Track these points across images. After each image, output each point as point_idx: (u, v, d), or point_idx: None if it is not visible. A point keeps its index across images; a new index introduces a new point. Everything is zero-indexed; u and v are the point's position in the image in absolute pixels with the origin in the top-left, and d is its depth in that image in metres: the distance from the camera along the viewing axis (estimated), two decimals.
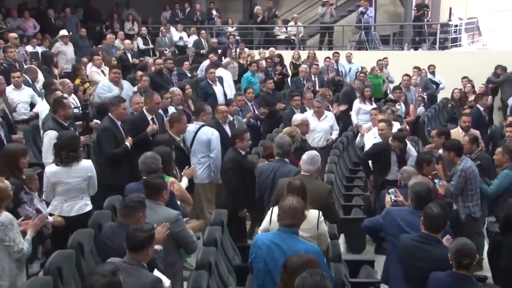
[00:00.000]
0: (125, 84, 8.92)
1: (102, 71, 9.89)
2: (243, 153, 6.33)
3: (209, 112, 7.12)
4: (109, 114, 6.53)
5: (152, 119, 6.97)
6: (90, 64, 10.33)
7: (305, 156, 5.17)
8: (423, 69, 12.43)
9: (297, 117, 7.44)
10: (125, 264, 3.43)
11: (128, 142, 6.42)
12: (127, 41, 12.65)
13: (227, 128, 7.46)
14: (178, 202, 5.10)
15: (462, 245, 3.84)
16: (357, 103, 9.69)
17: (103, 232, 4.42)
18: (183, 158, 6.40)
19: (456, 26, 15.81)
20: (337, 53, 13.44)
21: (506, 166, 6.15)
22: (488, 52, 15.17)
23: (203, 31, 14.97)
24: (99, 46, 12.37)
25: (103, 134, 6.45)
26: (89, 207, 5.37)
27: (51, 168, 5.27)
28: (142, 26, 15.22)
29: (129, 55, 12.10)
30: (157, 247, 3.95)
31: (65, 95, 7.25)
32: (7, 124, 7.05)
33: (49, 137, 5.97)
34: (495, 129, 9.45)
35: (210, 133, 6.82)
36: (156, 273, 3.68)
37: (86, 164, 5.35)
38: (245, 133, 6.41)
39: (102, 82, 8.83)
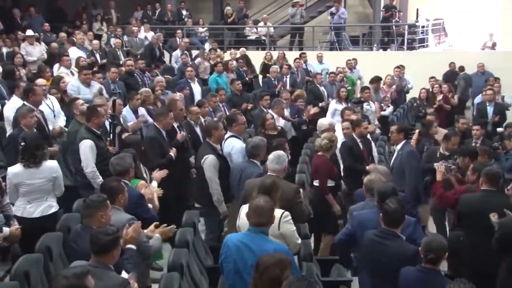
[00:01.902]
0: (95, 85, 8.80)
1: (71, 72, 9.75)
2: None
3: (242, 122, 6.74)
4: (155, 123, 6.58)
5: (178, 126, 7.00)
6: (57, 65, 10.16)
7: (272, 155, 5.21)
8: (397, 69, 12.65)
9: (324, 121, 7.28)
10: (91, 267, 3.38)
11: (172, 153, 6.46)
12: (95, 42, 12.48)
13: (198, 129, 7.42)
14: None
15: (430, 241, 3.99)
16: (333, 104, 9.76)
17: (70, 235, 4.36)
18: (226, 168, 6.09)
19: (423, 27, 16.09)
20: (305, 53, 13.53)
21: None
22: (454, 53, 15.47)
23: (179, 31, 14.89)
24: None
25: (150, 143, 6.46)
26: (54, 209, 5.30)
27: (13, 169, 5.20)
28: (117, 26, 15.05)
29: (97, 56, 11.94)
30: (130, 246, 3.92)
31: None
32: (43, 137, 6.60)
33: (85, 146, 5.95)
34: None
35: (231, 146, 6.42)
36: (124, 275, 3.64)
37: (51, 165, 5.27)
38: (286, 144, 6.29)
39: (71, 83, 8.70)
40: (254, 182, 5.10)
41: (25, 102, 6.82)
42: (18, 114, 6.29)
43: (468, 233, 5.28)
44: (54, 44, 11.95)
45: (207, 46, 14.86)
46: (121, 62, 11.34)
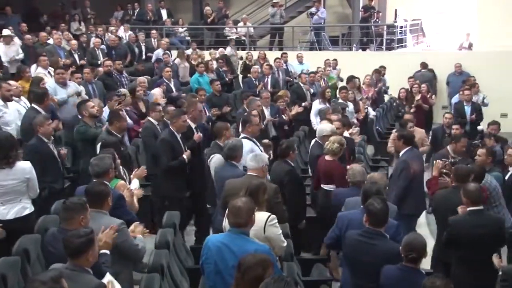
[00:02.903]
0: (72, 85, 8.69)
1: (49, 73, 9.61)
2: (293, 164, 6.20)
3: (256, 123, 6.75)
4: (170, 126, 6.59)
5: (196, 127, 7.00)
6: (34, 66, 10.02)
7: (251, 155, 5.24)
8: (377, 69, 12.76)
9: (326, 127, 7.03)
10: (67, 271, 3.32)
11: (185, 155, 6.43)
12: (74, 41, 12.33)
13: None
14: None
15: (411, 240, 4.04)
16: (316, 104, 9.79)
17: (45, 238, 4.26)
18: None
19: (401, 27, 16.24)
20: (285, 53, 13.56)
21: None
22: (432, 53, 15.65)
23: (154, 32, 14.80)
24: (46, 47, 11.98)
25: (161, 145, 6.49)
26: (28, 210, 5.23)
27: None
28: (98, 26, 14.89)
29: (76, 56, 11.80)
30: (104, 251, 3.84)
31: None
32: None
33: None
34: (437, 128, 9.72)
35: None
36: (108, 277, 3.59)
37: (24, 166, 5.19)
38: (294, 145, 6.31)
39: (48, 84, 8.57)
40: (234, 183, 5.11)
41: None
42: (35, 122, 6.15)
43: (438, 227, 5.55)
44: (28, 36, 11.74)
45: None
46: (99, 62, 11.24)
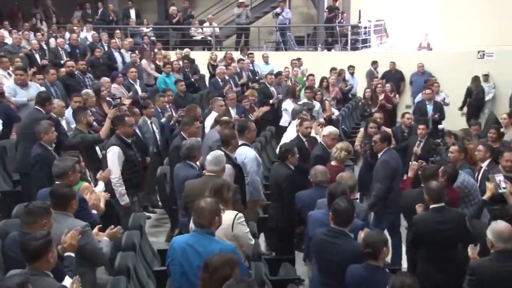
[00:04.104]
0: (33, 86, 8.51)
1: (9, 74, 9.37)
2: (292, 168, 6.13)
3: (254, 129, 6.74)
4: (181, 132, 6.62)
5: None
6: None
7: (210, 156, 5.25)
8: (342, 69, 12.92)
9: (326, 128, 7.03)
10: (27, 275, 3.25)
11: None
12: (34, 41, 12.07)
13: (137, 130, 7.43)
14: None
15: (368, 236, 4.11)
16: (289, 103, 9.80)
17: (5, 242, 4.15)
18: (241, 176, 6.00)
19: (365, 28, 16.45)
20: (252, 53, 13.57)
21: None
22: (396, 53, 15.91)
23: (118, 31, 14.61)
24: (4, 46, 11.69)
25: (175, 153, 6.49)
26: None
27: None
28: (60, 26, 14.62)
29: (37, 56, 11.55)
30: (69, 253, 3.77)
31: None
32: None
33: (113, 152, 6.03)
34: (395, 128, 9.85)
35: (243, 155, 6.26)
36: (67, 280, 3.52)
37: None
38: (295, 148, 6.24)
39: (7, 85, 8.37)
40: (193, 184, 5.11)
41: None
42: (39, 129, 6.00)
43: (408, 226, 5.60)
44: None
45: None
46: (62, 62, 11.04)
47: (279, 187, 5.96)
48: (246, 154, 6.28)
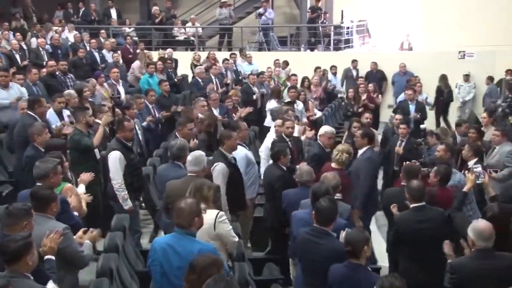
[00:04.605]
0: (14, 86, 8.42)
1: None
2: (284, 169, 6.13)
3: (245, 128, 6.84)
4: (176, 133, 6.58)
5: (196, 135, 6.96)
6: None
7: (190, 157, 5.25)
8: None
9: (323, 128, 7.05)
10: (7, 278, 3.21)
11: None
12: (14, 41, 11.93)
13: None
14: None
15: (349, 234, 4.12)
16: (273, 103, 9.80)
17: None
18: (237, 176, 6.04)
19: (348, 28, 16.54)
20: (234, 54, 13.56)
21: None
22: (378, 53, 16.03)
23: (102, 31, 14.50)
24: None
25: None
26: None
27: None
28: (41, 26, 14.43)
29: (17, 56, 11.42)
30: (49, 257, 3.74)
31: None
32: None
33: (114, 157, 5.93)
34: (387, 128, 9.94)
35: (234, 154, 6.25)
36: (51, 284, 3.49)
37: None
38: (287, 149, 6.25)
39: None
40: (174, 185, 5.11)
41: None
42: (32, 131, 5.97)
43: (388, 225, 5.69)
44: None
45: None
46: (44, 63, 10.93)
47: (272, 187, 5.99)
48: (236, 152, 6.32)
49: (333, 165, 6.08)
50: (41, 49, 11.93)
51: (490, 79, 13.27)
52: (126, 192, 5.95)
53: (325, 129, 6.93)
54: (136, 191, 6.25)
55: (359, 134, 6.75)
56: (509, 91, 11.67)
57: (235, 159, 6.16)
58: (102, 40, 13.88)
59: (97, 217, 5.95)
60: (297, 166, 6.42)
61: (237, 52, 13.92)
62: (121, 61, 12.10)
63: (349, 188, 6.01)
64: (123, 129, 6.15)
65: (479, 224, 4.14)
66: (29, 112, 7.00)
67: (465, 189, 5.48)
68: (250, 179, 6.52)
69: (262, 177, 6.72)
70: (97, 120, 7.40)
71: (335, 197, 5.26)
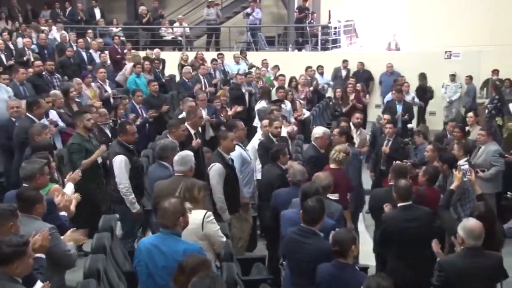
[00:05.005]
0: (2, 87, 8.33)
1: None
2: (284, 168, 6.09)
3: (242, 128, 6.78)
4: (168, 135, 6.49)
5: (195, 133, 6.87)
6: None
7: (177, 157, 5.27)
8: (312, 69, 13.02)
9: (318, 130, 6.98)
10: None
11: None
12: (0, 41, 11.79)
13: (107, 131, 7.46)
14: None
15: (336, 234, 4.12)
16: (263, 104, 9.80)
17: None
18: (233, 177, 6.04)
19: (335, 28, 16.59)
20: (222, 54, 13.55)
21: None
22: (365, 53, 16.10)
23: (90, 31, 14.41)
24: None
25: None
26: None
27: None
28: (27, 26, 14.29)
29: (2, 56, 11.31)
30: (39, 255, 3.72)
31: None
32: None
33: (118, 161, 5.91)
34: (375, 128, 9.99)
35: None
36: (38, 284, 3.45)
37: None
38: (286, 149, 6.24)
39: None
40: (162, 185, 5.10)
41: None
42: (32, 132, 5.94)
43: (375, 225, 5.69)
44: None
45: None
46: (26, 59, 10.84)
47: (271, 187, 5.97)
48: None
49: (332, 166, 6.09)
50: (26, 49, 11.82)
51: (470, 78, 13.46)
52: (133, 195, 5.94)
53: (321, 130, 6.91)
54: (140, 194, 6.26)
55: (336, 132, 6.80)
56: (495, 91, 11.79)
57: (232, 160, 6.16)
58: (89, 40, 13.78)
59: (97, 221, 5.89)
60: (288, 166, 6.42)
61: (228, 53, 13.92)
62: (108, 61, 12.02)
63: (347, 188, 6.05)
64: (126, 132, 6.10)
65: (470, 223, 4.18)
66: (27, 114, 6.98)
67: (452, 186, 5.51)
68: (245, 178, 6.52)
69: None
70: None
71: (332, 198, 5.36)
